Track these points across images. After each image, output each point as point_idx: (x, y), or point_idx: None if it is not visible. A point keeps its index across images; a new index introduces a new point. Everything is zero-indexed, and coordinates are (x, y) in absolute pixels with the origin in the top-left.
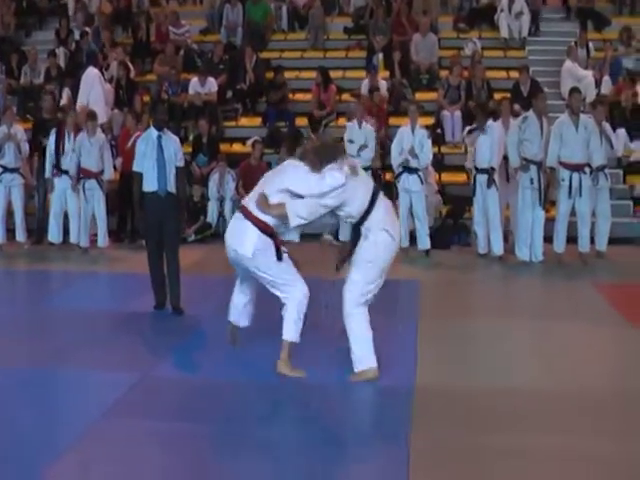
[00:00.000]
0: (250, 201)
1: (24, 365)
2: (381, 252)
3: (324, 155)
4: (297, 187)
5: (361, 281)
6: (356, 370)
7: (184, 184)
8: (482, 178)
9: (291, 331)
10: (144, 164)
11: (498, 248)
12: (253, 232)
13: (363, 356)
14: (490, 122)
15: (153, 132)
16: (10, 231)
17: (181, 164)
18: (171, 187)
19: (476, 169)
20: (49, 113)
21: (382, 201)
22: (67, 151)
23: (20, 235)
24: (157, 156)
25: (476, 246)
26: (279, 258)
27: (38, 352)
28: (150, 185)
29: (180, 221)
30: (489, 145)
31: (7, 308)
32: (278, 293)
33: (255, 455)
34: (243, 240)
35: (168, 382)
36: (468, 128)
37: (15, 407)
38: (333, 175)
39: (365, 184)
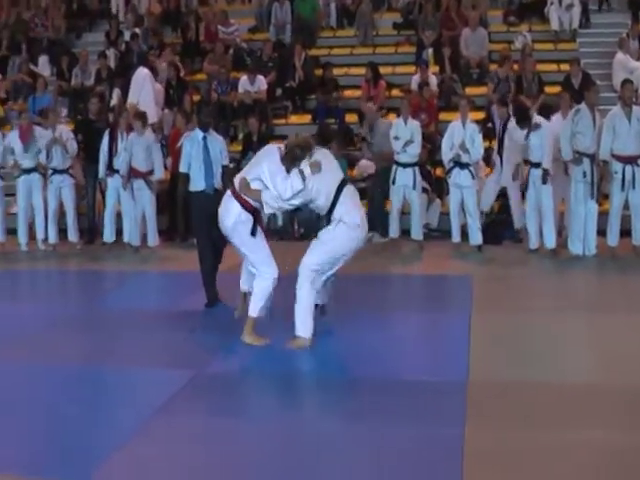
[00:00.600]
0: (236, 181)
1: (78, 363)
2: (338, 239)
3: (295, 155)
4: (267, 181)
5: (310, 262)
6: (296, 334)
7: (231, 183)
8: (535, 173)
9: (254, 308)
10: (191, 164)
11: (551, 242)
12: (236, 207)
13: (305, 324)
14: (540, 118)
15: (199, 133)
16: (62, 231)
17: (227, 162)
18: (219, 185)
19: (530, 163)
20: (96, 115)
21: (348, 191)
22: (120, 151)
23: (72, 235)
24: (204, 156)
25: (527, 242)
26: (252, 234)
27: (91, 350)
28: (198, 184)
29: None
30: (540, 140)
31: (61, 307)
32: (253, 270)
33: (308, 451)
34: (226, 213)
35: (221, 379)
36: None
37: (70, 404)
38: (294, 180)
39: (332, 177)
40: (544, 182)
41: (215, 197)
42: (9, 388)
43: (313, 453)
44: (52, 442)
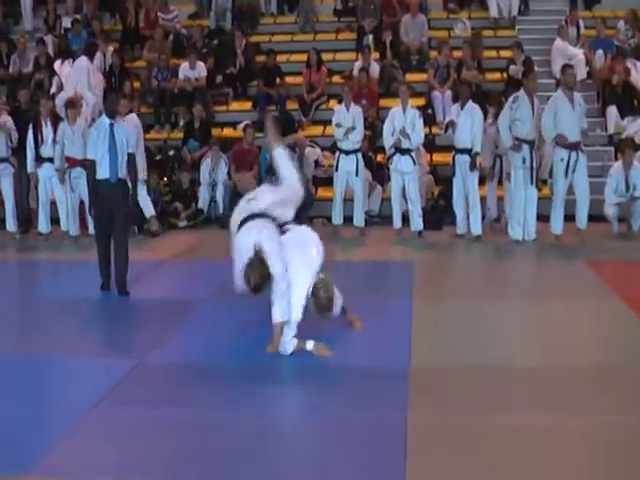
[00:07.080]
0: None
1: (17, 353)
2: None
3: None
4: None
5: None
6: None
7: (135, 170)
8: (461, 159)
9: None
10: (97, 152)
11: (477, 228)
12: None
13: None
14: (470, 102)
15: (105, 121)
16: (0, 221)
17: (132, 151)
18: (123, 174)
19: (455, 149)
20: (26, 105)
21: None
22: (45, 140)
23: (10, 225)
24: (109, 144)
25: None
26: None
27: (30, 341)
28: (103, 173)
29: (129, 206)
30: (469, 126)
31: None
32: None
33: (249, 440)
34: None
35: (163, 368)
36: (455, 105)
37: (9, 396)
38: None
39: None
40: (472, 169)
41: (118, 186)
42: None
43: (255, 441)
44: None
